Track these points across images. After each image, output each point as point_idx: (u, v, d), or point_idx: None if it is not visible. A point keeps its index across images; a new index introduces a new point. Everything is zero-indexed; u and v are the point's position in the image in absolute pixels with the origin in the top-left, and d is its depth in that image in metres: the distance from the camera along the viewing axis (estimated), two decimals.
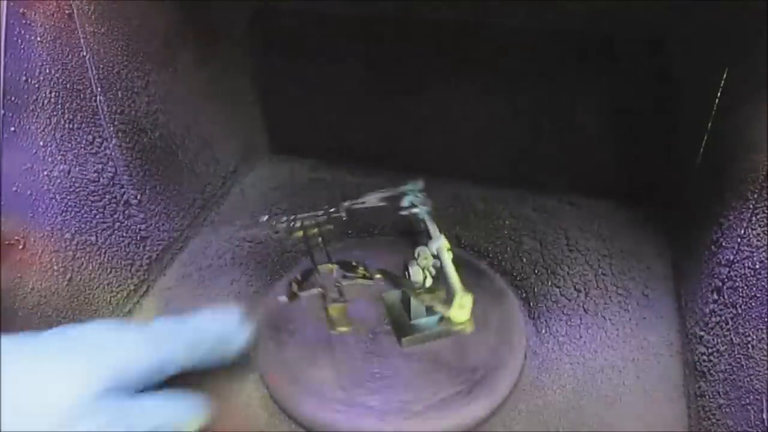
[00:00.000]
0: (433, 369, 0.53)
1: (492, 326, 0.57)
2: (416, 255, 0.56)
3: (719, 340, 0.48)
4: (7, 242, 0.47)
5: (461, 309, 0.49)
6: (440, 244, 0.54)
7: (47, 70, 0.49)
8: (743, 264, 0.45)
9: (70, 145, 0.52)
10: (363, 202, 0.63)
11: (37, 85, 0.48)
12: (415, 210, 0.60)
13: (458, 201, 0.75)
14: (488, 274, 0.64)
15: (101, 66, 0.55)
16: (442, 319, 0.52)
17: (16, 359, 0.36)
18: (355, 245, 0.68)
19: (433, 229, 0.56)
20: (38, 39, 0.48)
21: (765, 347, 0.40)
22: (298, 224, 0.62)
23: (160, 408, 0.40)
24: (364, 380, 0.53)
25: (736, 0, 0.51)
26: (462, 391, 0.51)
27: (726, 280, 0.49)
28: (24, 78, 0.47)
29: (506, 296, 0.61)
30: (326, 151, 0.83)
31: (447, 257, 0.53)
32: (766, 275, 0.42)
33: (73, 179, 0.53)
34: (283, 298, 0.57)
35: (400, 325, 0.57)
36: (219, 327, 0.47)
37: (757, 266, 0.43)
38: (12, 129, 0.46)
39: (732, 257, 0.48)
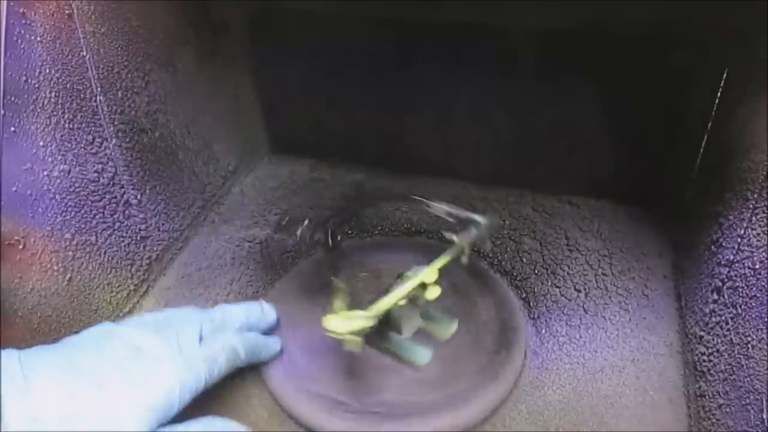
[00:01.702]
0: (420, 373, 0.53)
1: (490, 331, 0.57)
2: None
3: (719, 340, 0.48)
4: (7, 242, 0.47)
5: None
6: (423, 272, 0.52)
7: (47, 70, 0.49)
8: (743, 264, 0.45)
9: (70, 145, 0.52)
10: (428, 206, 0.61)
11: (37, 85, 0.48)
12: (464, 240, 0.55)
13: (458, 201, 0.75)
14: (488, 275, 0.64)
15: (101, 66, 0.55)
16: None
17: (75, 390, 0.38)
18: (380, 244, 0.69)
19: (443, 260, 0.54)
20: (38, 39, 0.48)
21: (765, 347, 0.40)
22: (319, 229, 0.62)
23: None
24: (345, 376, 0.53)
25: (736, 0, 0.51)
26: (440, 401, 0.50)
27: (726, 280, 0.49)
28: (24, 78, 0.47)
29: (506, 297, 0.61)
30: (326, 151, 0.83)
31: (406, 286, 0.51)
32: (766, 275, 0.42)
33: (73, 179, 0.53)
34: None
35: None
36: (253, 341, 0.50)
37: (757, 266, 0.43)
38: (12, 129, 0.46)
39: (732, 257, 0.48)
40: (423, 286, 0.52)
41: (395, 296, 0.51)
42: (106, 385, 0.39)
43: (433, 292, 0.52)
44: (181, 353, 0.44)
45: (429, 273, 0.52)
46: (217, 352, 0.46)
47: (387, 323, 0.56)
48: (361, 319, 0.48)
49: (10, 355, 0.38)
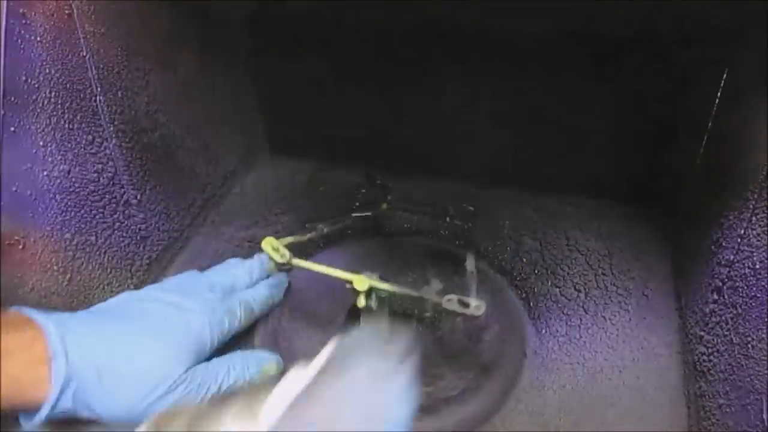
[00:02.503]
0: (426, 370, 0.53)
1: (490, 331, 0.57)
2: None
3: (719, 340, 0.48)
4: (7, 242, 0.47)
5: None
6: (360, 277, 0.53)
7: (47, 70, 0.49)
8: (743, 264, 0.45)
9: (70, 145, 0.52)
10: (465, 260, 0.62)
11: (37, 85, 0.48)
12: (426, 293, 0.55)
13: (458, 201, 0.75)
14: (488, 275, 0.64)
15: (101, 66, 0.55)
16: None
17: (117, 340, 0.44)
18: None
19: (390, 287, 0.54)
20: (38, 39, 0.48)
21: (765, 347, 0.40)
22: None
23: (237, 364, 0.49)
24: None
25: (736, 0, 0.51)
26: (440, 401, 0.50)
27: (726, 280, 0.49)
28: (24, 78, 0.47)
29: (506, 296, 0.61)
30: (326, 151, 0.83)
31: (328, 268, 0.55)
32: (766, 275, 0.42)
33: (73, 179, 0.53)
34: None
35: None
36: (267, 291, 0.57)
37: (757, 266, 0.43)
38: (12, 129, 0.46)
39: (732, 257, 0.48)
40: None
41: (309, 264, 0.56)
42: (146, 337, 0.45)
43: (359, 300, 0.54)
44: (207, 306, 0.50)
45: (359, 280, 0.53)
46: (235, 305, 0.53)
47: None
48: (279, 246, 0.57)
49: (42, 318, 0.42)
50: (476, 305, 0.50)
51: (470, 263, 0.57)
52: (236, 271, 0.57)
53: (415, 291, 0.52)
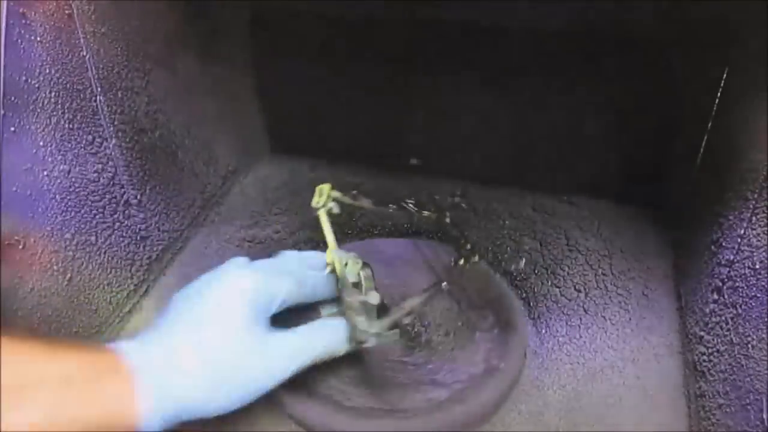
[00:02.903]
0: (420, 373, 0.53)
1: (490, 331, 0.57)
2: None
3: (719, 340, 0.48)
4: (7, 242, 0.47)
5: None
6: (342, 253, 0.53)
7: (47, 70, 0.49)
8: (743, 264, 0.45)
9: (70, 145, 0.52)
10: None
11: (37, 85, 0.48)
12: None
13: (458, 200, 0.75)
14: (488, 275, 0.64)
15: (101, 66, 0.55)
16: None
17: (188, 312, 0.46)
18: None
19: (368, 282, 0.53)
20: (38, 39, 0.48)
21: (765, 347, 0.40)
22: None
23: (316, 334, 0.47)
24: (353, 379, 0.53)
25: (736, 0, 0.51)
26: (439, 401, 0.50)
27: (726, 280, 0.49)
28: (24, 78, 0.47)
29: (506, 297, 0.61)
30: (326, 151, 0.83)
31: (332, 239, 0.54)
32: (766, 275, 0.42)
33: (73, 179, 0.53)
34: None
35: None
36: (329, 279, 0.54)
37: (757, 266, 0.43)
38: (12, 129, 0.46)
39: (732, 257, 0.48)
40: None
41: (324, 221, 0.55)
42: (206, 319, 0.45)
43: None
44: (275, 268, 0.50)
45: (329, 254, 0.53)
46: (305, 275, 0.51)
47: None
48: (327, 193, 0.56)
49: (119, 343, 0.42)
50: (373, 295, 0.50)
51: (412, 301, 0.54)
52: (308, 253, 0.55)
53: (347, 284, 0.53)
